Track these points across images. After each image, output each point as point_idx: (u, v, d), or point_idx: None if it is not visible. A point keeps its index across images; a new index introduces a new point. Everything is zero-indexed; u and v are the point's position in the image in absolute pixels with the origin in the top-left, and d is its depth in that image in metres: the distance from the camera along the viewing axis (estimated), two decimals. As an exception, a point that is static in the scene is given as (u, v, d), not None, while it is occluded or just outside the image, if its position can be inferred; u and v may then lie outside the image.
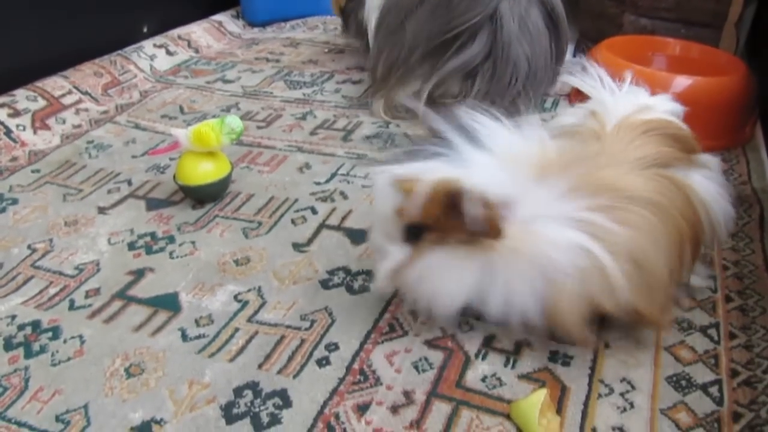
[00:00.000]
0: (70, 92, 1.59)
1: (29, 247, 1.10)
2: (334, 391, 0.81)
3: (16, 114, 1.46)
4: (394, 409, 0.78)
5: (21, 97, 1.51)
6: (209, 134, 1.09)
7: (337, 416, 0.78)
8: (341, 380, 0.82)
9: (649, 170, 0.86)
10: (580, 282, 0.78)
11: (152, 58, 1.86)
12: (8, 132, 1.42)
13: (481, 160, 0.79)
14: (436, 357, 0.86)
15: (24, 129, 1.45)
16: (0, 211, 1.20)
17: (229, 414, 0.78)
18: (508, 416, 0.77)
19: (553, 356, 0.86)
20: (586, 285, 0.79)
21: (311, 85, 1.72)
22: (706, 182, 0.91)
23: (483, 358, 0.86)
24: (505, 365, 0.85)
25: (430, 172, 0.76)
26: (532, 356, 0.86)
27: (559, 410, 0.78)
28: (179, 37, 2.00)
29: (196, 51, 1.98)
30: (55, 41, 1.72)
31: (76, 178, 1.31)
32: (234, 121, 1.10)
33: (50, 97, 1.54)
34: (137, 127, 1.51)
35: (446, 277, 0.81)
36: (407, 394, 0.80)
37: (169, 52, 1.92)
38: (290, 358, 0.86)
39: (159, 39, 1.95)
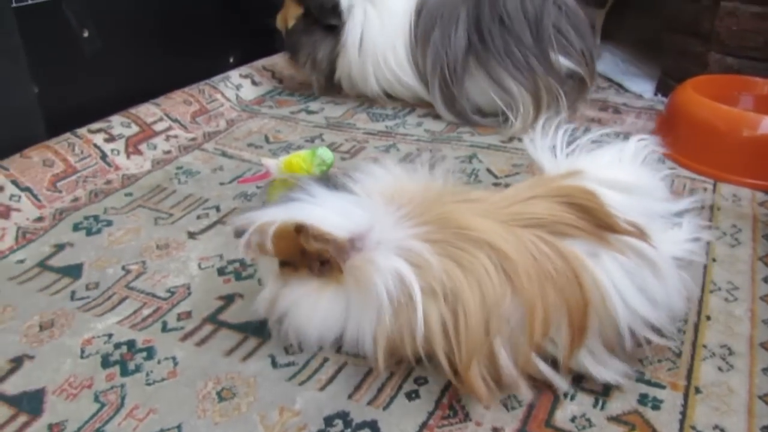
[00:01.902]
0: (161, 119, 1.64)
1: (123, 268, 1.14)
2: (423, 425, 0.81)
3: (111, 139, 1.52)
4: (484, 446, 0.79)
5: (116, 123, 1.57)
6: (300, 165, 1.12)
7: (427, 451, 0.78)
8: (431, 414, 0.82)
9: (526, 229, 0.82)
10: (393, 314, 0.80)
11: (238, 87, 1.91)
12: (104, 156, 1.48)
13: (332, 199, 0.84)
14: (525, 395, 0.85)
15: (118, 154, 1.50)
16: (96, 232, 1.25)
17: (319, 442, 0.79)
18: (598, 459, 0.77)
19: (642, 399, 0.85)
20: (397, 318, 0.80)
21: (393, 118, 1.75)
22: (614, 267, 0.83)
23: (572, 398, 0.85)
24: (594, 406, 0.84)
25: (283, 213, 0.82)
26: (621, 398, 0.85)
27: (650, 456, 0.77)
28: (264, 67, 2.05)
29: (280, 82, 2.03)
30: (148, 70, 1.79)
31: (166, 202, 1.35)
32: (325, 152, 1.13)
33: (143, 123, 1.60)
34: (224, 154, 1.55)
35: (299, 308, 0.86)
36: (496, 431, 0.80)
37: (254, 82, 1.97)
38: (380, 390, 0.86)
39: (244, 69, 2.01)
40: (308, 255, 0.82)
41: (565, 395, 0.85)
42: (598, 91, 1.93)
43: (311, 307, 0.85)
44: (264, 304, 0.89)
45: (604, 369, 0.85)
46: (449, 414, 0.83)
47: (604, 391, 0.86)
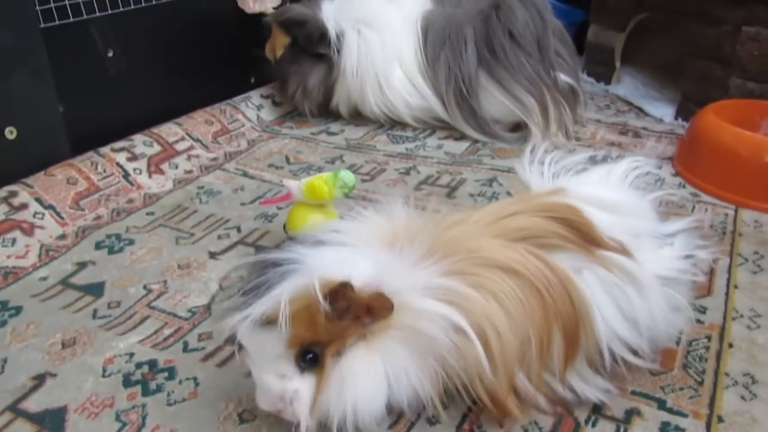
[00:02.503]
0: (183, 138, 1.66)
1: (145, 287, 1.15)
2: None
3: (133, 158, 1.54)
4: (505, 473, 0.78)
5: (139, 142, 1.58)
6: (322, 187, 1.12)
7: (446, 476, 0.78)
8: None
9: (517, 243, 0.82)
10: (448, 359, 0.76)
11: (259, 108, 1.93)
12: (126, 175, 1.49)
13: (330, 254, 0.78)
14: (546, 421, 0.85)
15: (140, 173, 1.52)
16: (118, 251, 1.26)
17: (339, 466, 0.79)
18: (619, 488, 0.76)
19: (664, 427, 0.84)
20: (452, 361, 0.76)
21: (413, 140, 1.75)
22: (595, 283, 0.83)
23: (593, 425, 0.84)
24: (616, 435, 0.83)
25: (295, 289, 0.72)
26: (642, 426, 0.84)
27: (673, 486, 0.77)
28: (285, 88, 2.07)
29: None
30: (170, 90, 1.81)
31: (187, 222, 1.36)
32: (347, 175, 1.13)
33: (165, 142, 1.61)
34: (245, 175, 1.56)
35: (361, 383, 0.74)
36: (517, 458, 0.80)
37: (274, 103, 1.98)
38: (400, 415, 0.86)
39: (265, 90, 2.02)
40: (347, 315, 0.73)
41: (587, 422, 0.85)
42: (618, 114, 1.93)
43: (372, 377, 0.75)
44: (310, 413, 0.76)
45: (587, 386, 0.85)
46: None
47: (625, 419, 0.85)
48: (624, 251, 0.86)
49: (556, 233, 0.83)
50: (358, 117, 1.90)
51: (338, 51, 1.78)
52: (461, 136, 1.75)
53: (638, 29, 2.10)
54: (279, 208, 1.38)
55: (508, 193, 1.44)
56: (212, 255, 1.23)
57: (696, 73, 1.82)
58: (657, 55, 2.19)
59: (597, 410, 0.86)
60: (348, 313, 0.73)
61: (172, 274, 1.18)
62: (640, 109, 1.98)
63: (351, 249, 0.79)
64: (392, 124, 1.85)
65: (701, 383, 0.91)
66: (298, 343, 0.73)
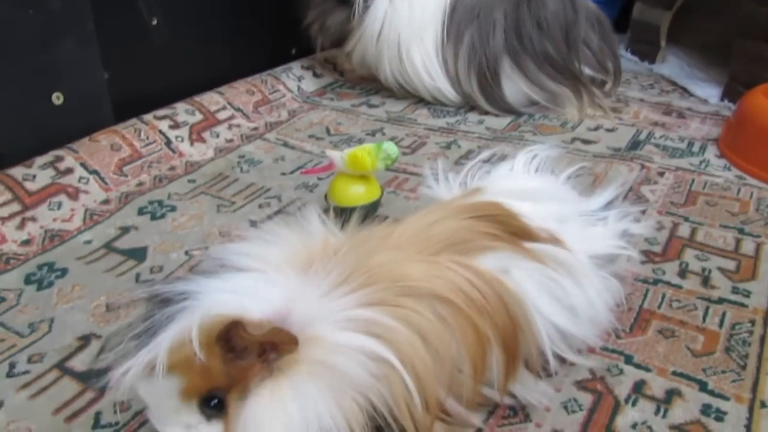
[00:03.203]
0: (224, 108, 1.67)
1: (187, 253, 1.16)
2: (485, 420, 0.81)
3: (175, 126, 1.55)
4: (544, 448, 0.78)
5: (181, 110, 1.59)
6: (365, 158, 1.12)
7: (487, 449, 0.78)
8: (491, 413, 0.82)
9: (441, 255, 0.77)
10: (373, 393, 0.68)
11: (300, 79, 1.93)
12: (168, 142, 1.51)
13: (230, 284, 0.69)
14: (586, 399, 0.85)
15: (182, 140, 1.53)
16: (160, 217, 1.28)
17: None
18: (659, 467, 0.76)
19: (705, 409, 0.83)
20: (378, 395, 0.69)
21: (454, 115, 1.74)
22: (526, 280, 0.79)
23: (633, 404, 0.84)
24: (656, 413, 0.83)
25: (180, 332, 0.63)
26: (683, 407, 0.84)
27: (714, 467, 0.76)
28: (325, 60, 2.06)
29: (341, 74, 2.04)
30: (213, 59, 1.82)
31: (228, 190, 1.37)
32: (390, 147, 1.13)
33: (206, 111, 1.62)
34: (286, 145, 1.57)
35: (269, 427, 0.66)
36: (556, 434, 0.80)
37: (315, 74, 1.99)
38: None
39: (306, 61, 2.02)
40: (248, 354, 0.65)
41: (627, 401, 0.84)
42: (661, 94, 1.90)
43: (283, 416, 0.66)
44: None
45: (529, 392, 0.82)
46: (509, 414, 0.82)
47: (666, 399, 0.85)
48: (554, 240, 0.84)
49: (480, 233, 0.79)
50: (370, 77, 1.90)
51: (366, 6, 1.74)
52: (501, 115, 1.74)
53: (685, 7, 2.06)
54: (320, 179, 1.38)
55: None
56: (253, 223, 1.24)
57: (745, 53, 1.78)
58: (704, 34, 2.15)
59: (638, 389, 0.86)
60: (247, 352, 0.65)
61: (213, 240, 1.19)
62: (685, 90, 1.94)
63: (257, 276, 0.71)
64: (406, 94, 1.84)
65: (744, 367, 0.90)
66: (193, 393, 0.65)
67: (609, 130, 1.63)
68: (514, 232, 0.82)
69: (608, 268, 0.90)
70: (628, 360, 0.91)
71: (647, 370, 0.89)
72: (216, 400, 0.66)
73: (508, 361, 0.77)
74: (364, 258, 0.73)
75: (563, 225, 0.90)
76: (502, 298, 0.76)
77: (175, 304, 0.66)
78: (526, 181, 0.97)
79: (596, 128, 1.65)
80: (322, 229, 0.80)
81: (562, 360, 0.85)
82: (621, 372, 0.89)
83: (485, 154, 1.05)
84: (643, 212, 1.25)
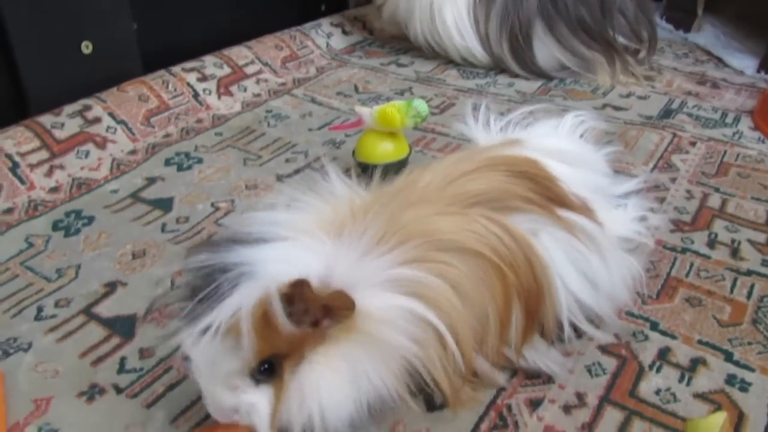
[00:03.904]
0: (252, 62, 1.66)
1: (213, 204, 1.16)
2: (507, 382, 0.81)
3: (203, 79, 1.54)
4: (567, 409, 0.78)
5: (209, 63, 1.59)
6: (395, 115, 1.11)
7: (509, 408, 0.78)
8: (514, 373, 0.82)
9: (473, 209, 0.75)
10: (418, 355, 0.69)
11: (329, 36, 1.91)
12: (196, 95, 1.50)
13: (274, 252, 0.67)
14: (610, 363, 0.84)
15: (210, 93, 1.52)
16: (186, 168, 1.28)
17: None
18: (682, 433, 0.76)
19: (730, 379, 0.83)
20: (422, 357, 0.70)
21: (484, 77, 1.72)
22: (562, 247, 0.78)
23: (657, 371, 0.83)
24: (680, 381, 0.82)
25: (252, 298, 0.63)
26: (708, 376, 0.83)
27: (737, 437, 0.76)
28: (355, 18, 2.04)
29: (371, 33, 2.02)
30: (242, 13, 1.80)
31: (255, 144, 1.37)
32: (421, 105, 1.12)
33: (234, 65, 1.61)
34: (313, 101, 1.56)
35: (325, 392, 0.67)
36: (580, 396, 0.80)
37: (344, 32, 1.97)
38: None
39: (336, 18, 2.00)
40: (304, 320, 0.65)
41: (651, 367, 0.84)
42: (696, 63, 1.87)
43: (337, 383, 0.67)
44: (270, 427, 0.68)
45: (540, 358, 0.81)
46: (532, 375, 0.82)
47: (690, 367, 0.84)
48: (587, 210, 0.83)
49: (515, 194, 0.78)
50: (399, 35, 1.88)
51: None
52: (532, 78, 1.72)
53: (724, -24, 2.02)
54: (347, 135, 1.38)
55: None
56: (279, 178, 1.24)
57: (784, 23, 1.74)
58: (742, 3, 2.11)
59: (662, 356, 0.85)
60: (306, 318, 0.65)
61: (239, 193, 1.19)
62: (720, 60, 1.91)
63: (294, 244, 0.70)
64: (435, 54, 1.81)
65: (771, 339, 0.89)
66: (258, 357, 0.65)
67: (641, 98, 1.61)
68: (549, 196, 0.81)
69: (629, 252, 0.90)
70: (654, 326, 0.90)
71: (673, 337, 0.88)
72: (267, 366, 0.66)
73: (527, 322, 0.77)
74: (395, 215, 0.73)
75: (594, 197, 0.89)
76: (530, 260, 0.75)
77: (234, 271, 0.65)
78: (569, 143, 0.95)
79: (628, 95, 1.62)
80: (347, 190, 0.79)
81: (577, 331, 0.85)
82: (646, 338, 0.88)
83: (529, 108, 1.03)
84: (673, 180, 1.24)
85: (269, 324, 0.63)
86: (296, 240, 0.70)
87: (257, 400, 0.67)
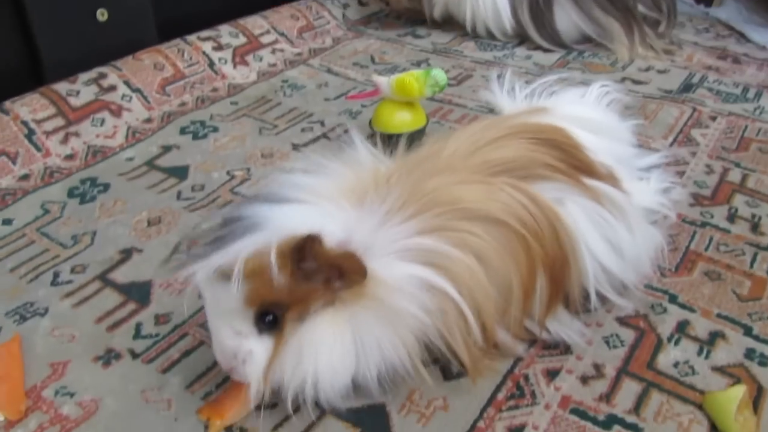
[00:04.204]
0: (268, 32, 1.64)
1: (228, 173, 1.16)
2: (525, 351, 0.81)
3: (219, 48, 1.53)
4: (584, 380, 0.78)
5: (224, 32, 1.57)
6: (413, 84, 1.10)
7: (526, 377, 0.78)
8: (532, 343, 0.82)
9: (498, 177, 0.74)
10: (431, 324, 0.68)
11: (345, 6, 1.89)
12: (211, 64, 1.49)
13: (295, 212, 0.68)
14: (628, 335, 0.84)
15: (225, 63, 1.51)
16: (202, 137, 1.27)
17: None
18: (700, 406, 0.75)
19: (749, 353, 0.82)
20: (436, 327, 0.69)
21: (501, 49, 1.70)
22: (580, 215, 0.77)
23: (676, 344, 0.83)
24: (699, 354, 0.82)
25: (256, 244, 0.63)
26: (726, 350, 0.83)
27: (755, 411, 0.75)
28: (371, -12, 2.03)
29: (387, 4, 2.00)
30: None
31: (271, 113, 1.36)
32: (439, 74, 1.11)
33: (250, 34, 1.60)
34: (329, 71, 1.55)
35: (323, 354, 0.66)
36: (597, 367, 0.79)
37: (361, 3, 1.95)
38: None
39: (352, -11, 1.99)
40: (315, 276, 0.65)
41: (669, 339, 0.83)
42: (717, 38, 1.84)
43: (337, 347, 0.67)
44: (262, 375, 0.68)
45: (563, 328, 0.80)
46: (551, 344, 0.82)
47: (709, 340, 0.83)
48: (613, 179, 0.82)
49: (540, 162, 0.77)
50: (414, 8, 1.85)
51: None
52: (551, 48, 1.70)
53: (748, -52, 1.98)
54: (363, 106, 1.37)
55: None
56: (295, 147, 1.23)
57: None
58: (765, -22, 2.07)
59: (681, 329, 0.85)
60: (316, 275, 0.65)
61: (255, 162, 1.19)
62: (742, 35, 1.88)
63: (315, 208, 0.69)
64: (476, 35, 1.79)
65: (791, 314, 0.88)
66: (254, 303, 0.66)
67: (660, 72, 1.59)
68: (575, 164, 0.79)
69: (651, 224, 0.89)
70: (673, 299, 0.89)
71: (691, 310, 0.88)
72: (271, 317, 0.66)
73: (552, 291, 0.76)
74: (419, 182, 0.72)
75: (621, 166, 0.88)
76: (555, 228, 0.74)
77: (250, 221, 0.66)
78: (595, 112, 0.94)
79: (647, 69, 1.60)
80: (371, 158, 0.79)
81: (602, 300, 0.84)
82: (665, 311, 0.87)
83: (555, 76, 1.03)
84: (693, 155, 1.22)
85: (270, 272, 0.63)
86: (317, 204, 0.69)
87: (256, 348, 0.67)
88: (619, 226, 0.80)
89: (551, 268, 0.74)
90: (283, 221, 0.66)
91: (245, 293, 0.65)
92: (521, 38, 1.72)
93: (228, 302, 0.66)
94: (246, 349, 0.67)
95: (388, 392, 0.74)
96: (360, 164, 0.77)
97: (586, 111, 0.93)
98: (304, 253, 0.63)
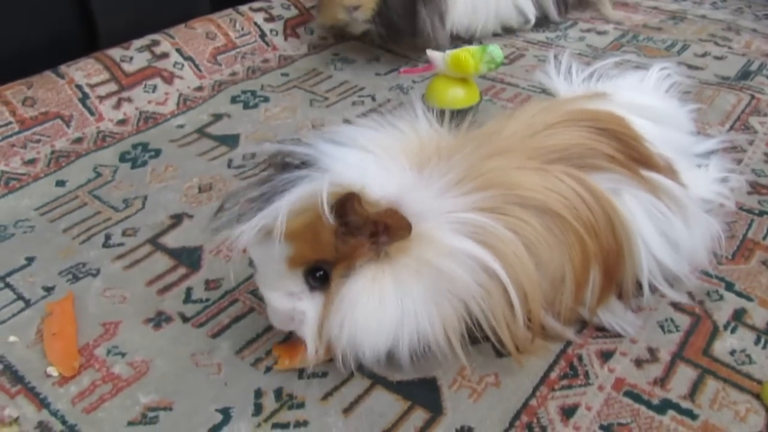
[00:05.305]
0: None
1: (280, 142, 1.15)
2: (577, 333, 0.79)
3: (270, 19, 1.53)
4: (638, 363, 0.76)
5: (276, 4, 1.57)
6: (468, 60, 1.09)
7: (580, 358, 0.77)
8: (585, 324, 0.80)
9: (555, 165, 0.72)
10: (475, 300, 0.67)
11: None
12: (263, 35, 1.49)
13: (350, 157, 0.67)
14: (683, 320, 0.82)
15: (276, 34, 1.51)
16: (253, 107, 1.27)
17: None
18: (757, 396, 0.73)
19: (808, 345, 0.80)
20: (488, 306, 0.67)
21: (554, 30, 1.67)
22: (636, 208, 0.75)
23: (732, 331, 0.81)
24: (756, 343, 0.80)
25: (299, 200, 0.62)
26: (785, 341, 0.81)
27: (815, 403, 0.73)
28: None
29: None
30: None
31: (322, 86, 1.36)
32: (495, 50, 1.09)
33: (302, 7, 1.59)
34: (381, 46, 1.53)
35: (363, 309, 0.65)
36: (652, 351, 0.78)
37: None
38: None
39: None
40: (360, 231, 0.64)
41: (726, 327, 0.81)
42: (776, 25, 1.79)
43: (379, 305, 0.65)
44: (317, 334, 0.68)
45: (615, 319, 0.79)
46: (604, 326, 0.80)
47: (767, 330, 0.81)
48: (671, 172, 0.80)
49: (598, 152, 0.75)
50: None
51: None
52: (604, 30, 1.67)
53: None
54: (414, 82, 1.35)
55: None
56: (346, 120, 1.23)
57: None
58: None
59: (737, 317, 0.83)
60: (361, 230, 0.64)
61: (306, 132, 1.18)
62: (803, 22, 1.83)
63: (374, 158, 0.68)
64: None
65: None
66: (299, 262, 0.65)
67: (717, 58, 1.55)
68: (633, 156, 0.78)
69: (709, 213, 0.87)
70: (729, 287, 0.87)
71: (749, 299, 0.86)
72: (322, 273, 0.66)
73: (605, 283, 0.75)
74: (479, 161, 0.71)
75: (678, 157, 0.86)
76: (611, 220, 0.73)
77: (294, 170, 0.65)
78: (655, 99, 0.91)
79: (704, 55, 1.56)
80: (435, 128, 0.77)
81: (653, 290, 0.82)
82: (721, 298, 0.85)
83: (612, 59, 1.01)
84: (751, 143, 1.19)
85: (315, 229, 0.63)
86: (378, 156, 0.69)
87: (308, 308, 0.67)
88: (676, 220, 0.78)
89: (605, 261, 0.73)
90: (336, 166, 0.65)
91: (290, 254, 0.64)
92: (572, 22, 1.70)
93: (277, 263, 0.65)
94: (300, 310, 0.67)
95: (418, 366, 0.73)
96: (425, 131, 0.76)
97: (645, 98, 0.90)
98: (345, 209, 0.62)
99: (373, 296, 0.65)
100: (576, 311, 0.76)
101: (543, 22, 1.68)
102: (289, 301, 0.67)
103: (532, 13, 1.64)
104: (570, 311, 0.75)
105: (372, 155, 0.69)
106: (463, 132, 0.79)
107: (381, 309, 0.65)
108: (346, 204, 0.61)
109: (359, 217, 0.63)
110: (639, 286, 0.79)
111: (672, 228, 0.78)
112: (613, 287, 0.76)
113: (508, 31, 1.64)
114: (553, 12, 1.68)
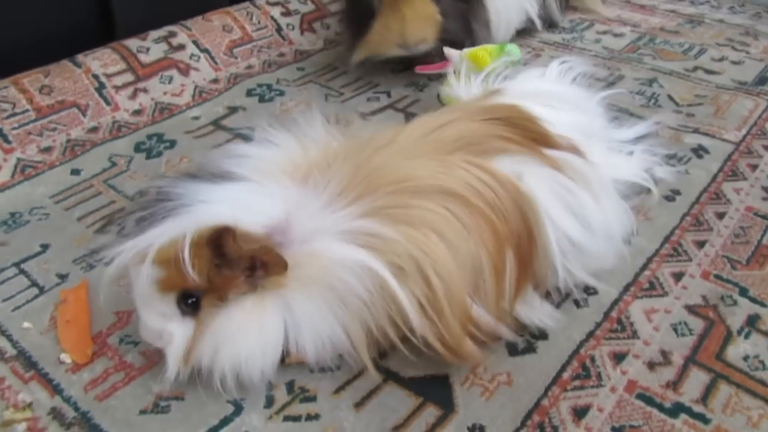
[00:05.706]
0: (337, 0, 1.63)
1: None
2: (590, 334, 0.80)
3: (287, 13, 1.53)
4: (651, 366, 0.76)
5: (294, -2, 1.57)
6: (485, 58, 1.09)
7: (592, 359, 0.76)
8: (598, 325, 0.80)
9: (453, 155, 0.71)
10: (370, 308, 0.67)
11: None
12: (279, 29, 1.49)
13: (227, 193, 0.68)
14: (696, 324, 0.82)
15: (293, 29, 1.51)
16: (268, 100, 1.28)
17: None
18: (771, 402, 0.73)
19: (822, 352, 0.80)
20: (374, 311, 0.67)
21: (570, 31, 1.67)
22: (548, 185, 0.74)
23: (746, 337, 0.81)
24: (770, 349, 0.80)
25: (176, 233, 0.64)
26: (800, 347, 0.80)
27: (828, 410, 0.73)
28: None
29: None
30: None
31: (337, 81, 1.36)
32: (513, 49, 1.09)
33: (319, 2, 1.59)
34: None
35: (245, 337, 0.66)
36: (665, 354, 0.78)
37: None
38: (547, 296, 0.83)
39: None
40: (236, 265, 0.65)
41: (739, 332, 0.81)
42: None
43: (256, 332, 0.67)
44: (181, 357, 0.68)
45: (533, 312, 0.77)
46: (617, 328, 0.80)
47: (781, 336, 0.81)
48: (574, 149, 0.79)
49: (495, 135, 0.74)
50: None
51: None
52: (621, 33, 1.66)
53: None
54: (430, 79, 1.35)
55: (670, 97, 1.35)
56: (362, 115, 1.23)
57: None
58: None
59: (751, 323, 0.82)
60: (237, 264, 0.65)
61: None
62: (821, 28, 1.81)
63: (255, 188, 0.69)
64: None
65: None
66: (170, 289, 0.66)
67: (735, 63, 1.54)
68: (531, 137, 0.77)
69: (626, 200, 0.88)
70: (743, 292, 0.87)
71: (762, 305, 0.85)
72: (193, 300, 0.67)
73: (520, 271, 0.72)
74: (363, 163, 0.70)
75: (588, 139, 0.85)
76: (516, 202, 0.71)
77: (174, 203, 0.67)
78: (554, 86, 0.92)
79: (721, 59, 1.55)
80: (324, 135, 0.78)
81: (585, 290, 0.83)
82: (735, 303, 0.85)
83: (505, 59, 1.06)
84: (767, 148, 1.19)
85: (193, 258, 0.63)
86: (258, 182, 0.70)
87: (176, 331, 0.68)
88: (583, 194, 0.77)
89: (517, 246, 0.71)
90: (213, 204, 0.67)
91: (162, 278, 0.65)
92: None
93: (151, 286, 0.67)
94: (168, 332, 0.68)
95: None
96: (311, 141, 0.77)
97: (543, 85, 0.91)
98: (220, 244, 0.63)
99: (251, 326, 0.67)
100: (504, 309, 0.73)
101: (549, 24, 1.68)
102: (160, 321, 0.69)
103: (536, 14, 1.63)
104: (496, 306, 0.71)
105: (252, 184, 0.69)
106: (355, 138, 0.79)
107: (260, 337, 0.67)
108: (221, 239, 0.62)
109: (234, 253, 0.63)
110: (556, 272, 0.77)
111: (579, 203, 0.77)
112: (528, 275, 0.74)
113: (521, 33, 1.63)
114: (557, 14, 1.67)
